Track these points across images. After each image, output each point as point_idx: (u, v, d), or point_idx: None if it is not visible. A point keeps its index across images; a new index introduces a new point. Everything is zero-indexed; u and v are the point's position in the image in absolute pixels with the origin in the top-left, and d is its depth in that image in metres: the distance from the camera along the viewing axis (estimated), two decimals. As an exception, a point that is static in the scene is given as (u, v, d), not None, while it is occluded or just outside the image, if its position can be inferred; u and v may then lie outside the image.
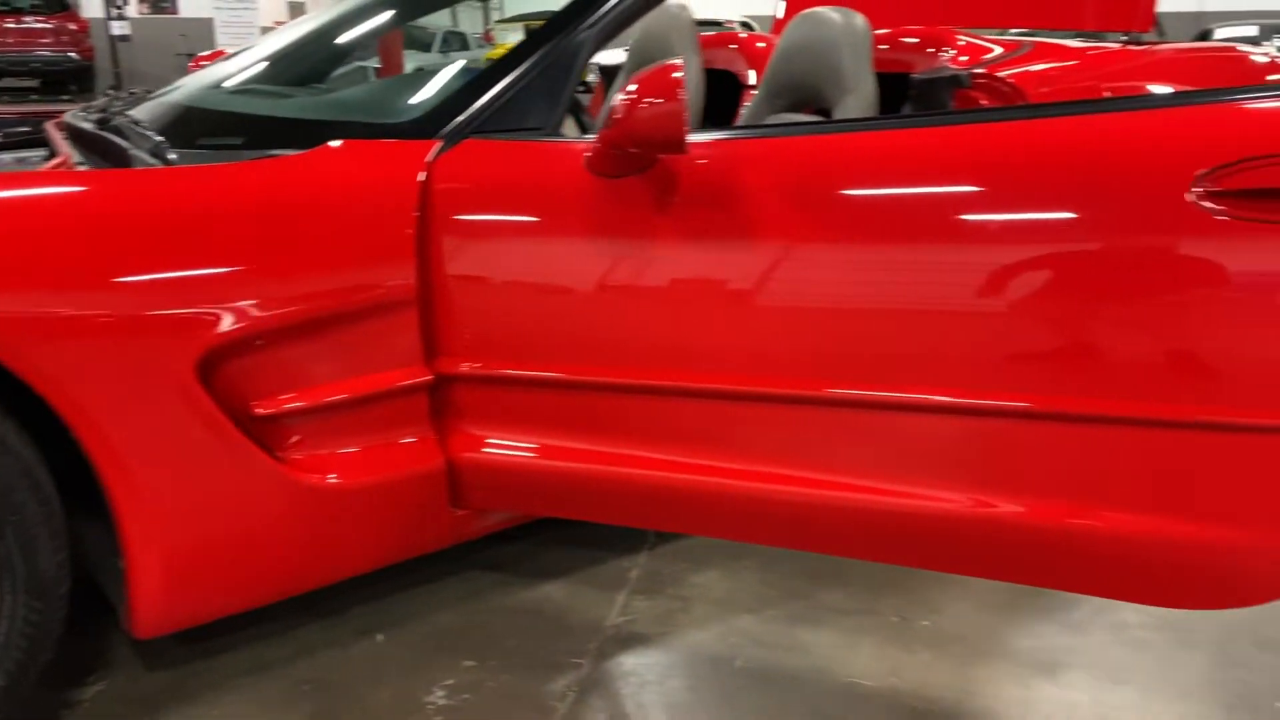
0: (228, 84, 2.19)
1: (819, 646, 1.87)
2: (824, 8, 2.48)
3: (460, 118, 1.72)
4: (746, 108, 2.73)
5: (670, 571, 2.11)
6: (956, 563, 1.63)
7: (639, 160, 1.55)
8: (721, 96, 3.31)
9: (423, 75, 2.26)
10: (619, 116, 1.47)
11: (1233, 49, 3.11)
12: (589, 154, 1.60)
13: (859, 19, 2.41)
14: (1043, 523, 1.52)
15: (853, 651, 1.86)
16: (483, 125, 1.72)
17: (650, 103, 1.43)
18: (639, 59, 3.29)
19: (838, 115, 2.41)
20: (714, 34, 3.42)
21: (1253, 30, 12.74)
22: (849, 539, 1.65)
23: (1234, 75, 3.01)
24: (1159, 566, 1.53)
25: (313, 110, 2.07)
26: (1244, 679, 1.79)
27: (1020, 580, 1.61)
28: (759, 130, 1.61)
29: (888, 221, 1.50)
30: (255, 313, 1.52)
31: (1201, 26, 14.49)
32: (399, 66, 3.58)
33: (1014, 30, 4.51)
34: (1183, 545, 1.49)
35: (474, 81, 1.79)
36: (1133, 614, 1.97)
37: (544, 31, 1.82)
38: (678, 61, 1.45)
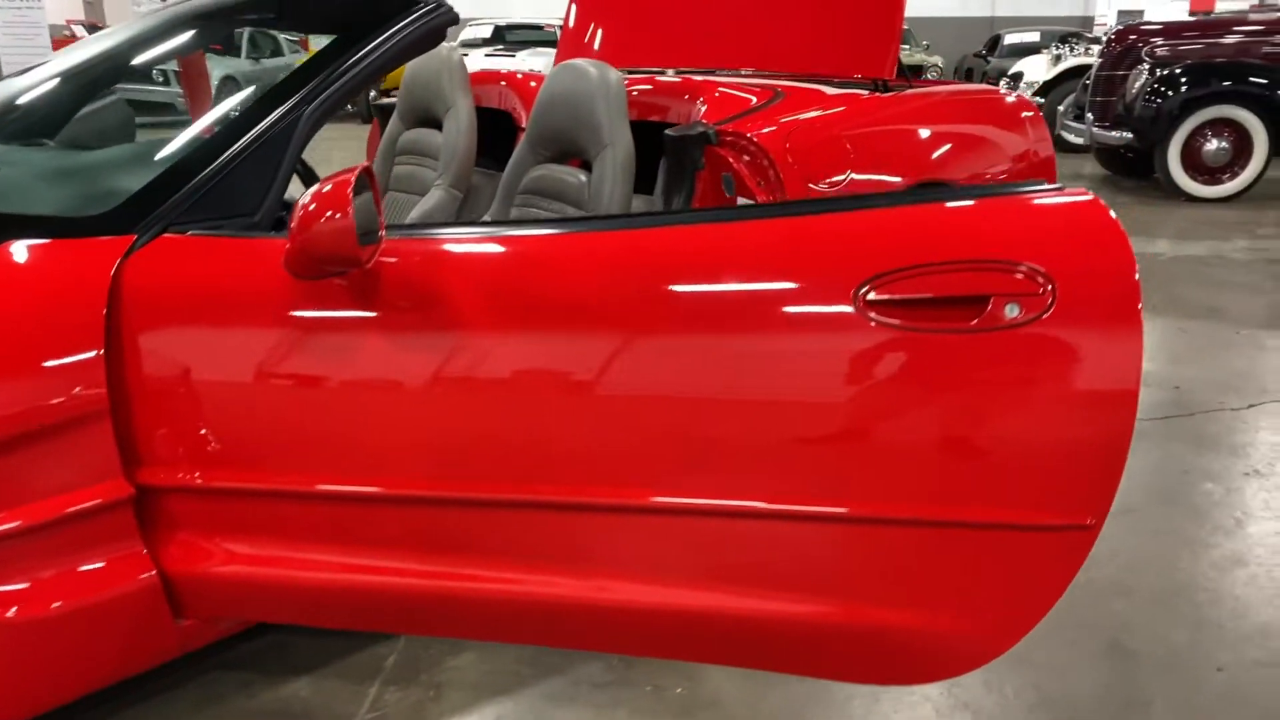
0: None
1: (572, 726, 1.86)
2: (580, 60, 2.47)
3: (156, 211, 1.62)
4: (514, 154, 2.70)
5: (427, 656, 2.06)
6: (707, 654, 1.66)
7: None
8: (502, 136, 3.26)
9: (123, 160, 2.10)
10: (293, 228, 1.40)
11: (994, 92, 3.30)
12: (286, 253, 1.53)
13: (613, 74, 2.42)
14: (776, 615, 1.56)
15: (605, 729, 1.86)
16: (183, 216, 1.62)
17: (327, 217, 1.37)
18: (409, 102, 3.21)
19: (597, 168, 2.41)
20: (484, 72, 3.36)
21: (1035, 36, 13.65)
22: (582, 634, 1.65)
23: (991, 115, 3.20)
24: (878, 650, 1.59)
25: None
26: (970, 722, 1.89)
27: (750, 666, 1.65)
28: (455, 230, 1.56)
29: (578, 323, 1.47)
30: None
31: (993, 32, 15.47)
32: (205, 85, 3.40)
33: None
34: (900, 630, 1.56)
35: (174, 168, 1.68)
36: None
37: (254, 110, 1.73)
38: (352, 172, 1.39)
